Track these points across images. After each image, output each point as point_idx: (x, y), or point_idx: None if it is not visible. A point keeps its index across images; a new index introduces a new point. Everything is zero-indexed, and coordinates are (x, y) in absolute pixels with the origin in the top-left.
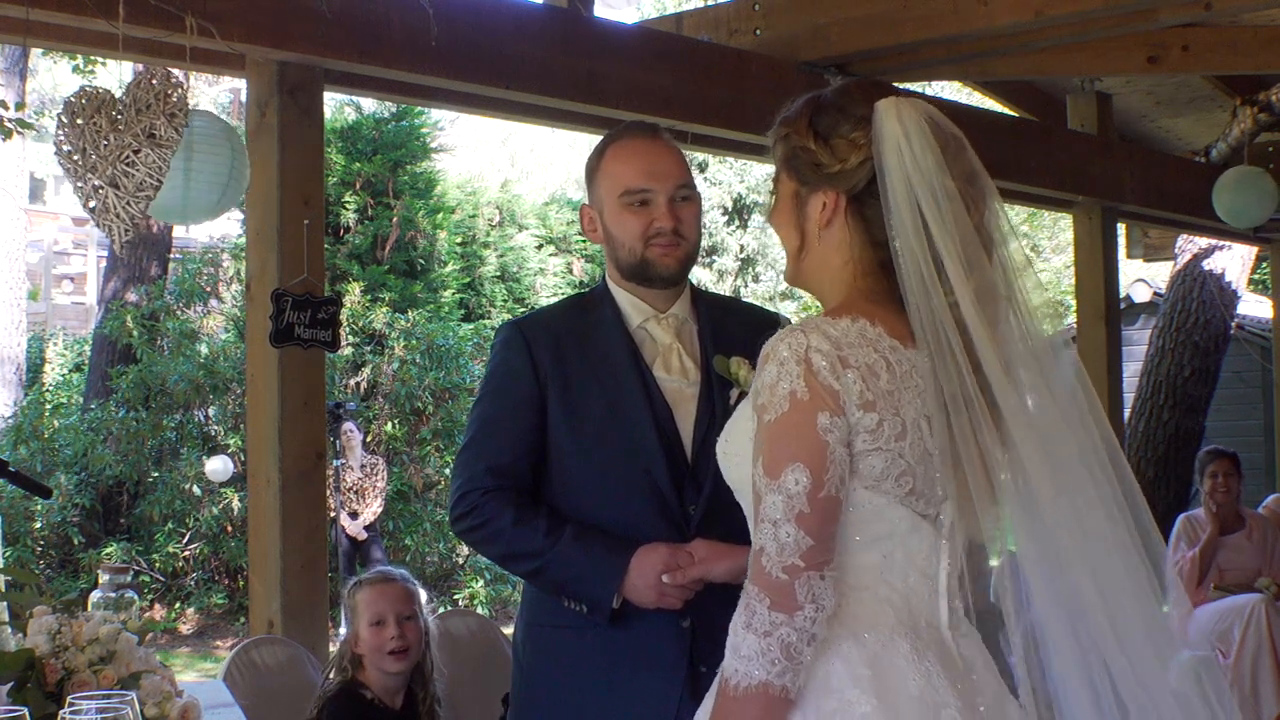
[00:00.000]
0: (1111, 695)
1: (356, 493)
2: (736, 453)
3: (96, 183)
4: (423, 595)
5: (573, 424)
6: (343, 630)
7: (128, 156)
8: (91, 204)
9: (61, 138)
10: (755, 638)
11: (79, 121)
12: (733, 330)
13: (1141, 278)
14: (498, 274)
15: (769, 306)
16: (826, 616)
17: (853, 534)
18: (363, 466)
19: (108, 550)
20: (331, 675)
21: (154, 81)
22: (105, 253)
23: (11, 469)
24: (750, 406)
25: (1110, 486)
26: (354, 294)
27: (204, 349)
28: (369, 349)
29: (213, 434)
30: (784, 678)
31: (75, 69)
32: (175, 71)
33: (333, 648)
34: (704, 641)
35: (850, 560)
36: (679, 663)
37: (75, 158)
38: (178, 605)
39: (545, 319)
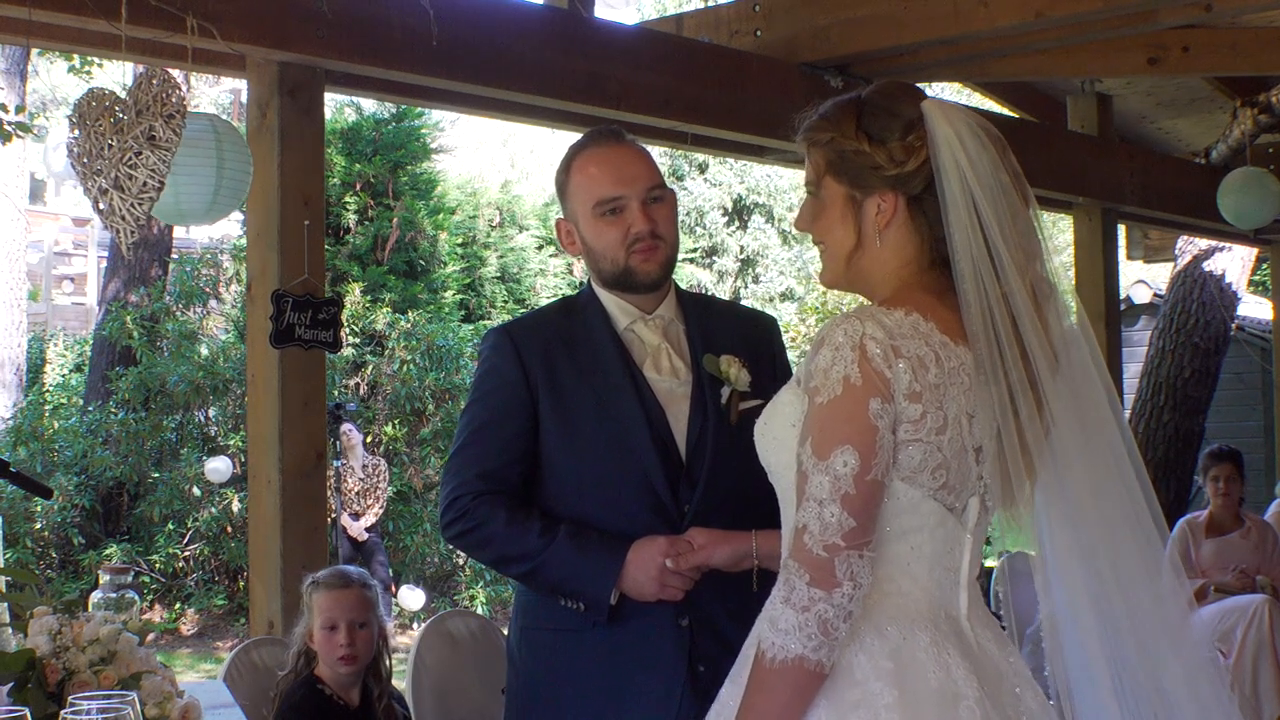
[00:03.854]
0: (1129, 684)
1: (359, 494)
2: (775, 436)
3: (103, 185)
4: (379, 597)
5: (565, 427)
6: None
7: (129, 159)
8: (100, 206)
9: (72, 140)
10: (793, 612)
11: (87, 124)
12: (719, 329)
13: (1142, 279)
14: (498, 275)
15: (769, 307)
16: (864, 595)
17: (884, 525)
18: (364, 468)
19: (108, 551)
20: (289, 669)
21: (154, 83)
22: (106, 253)
23: (12, 469)
24: (791, 391)
25: (1133, 479)
26: (354, 295)
27: (204, 350)
28: (369, 350)
29: (213, 435)
30: (819, 653)
31: (72, 69)
32: (174, 73)
33: None
34: (702, 640)
35: (878, 551)
36: (678, 662)
37: (84, 160)
38: (178, 606)
39: (533, 323)
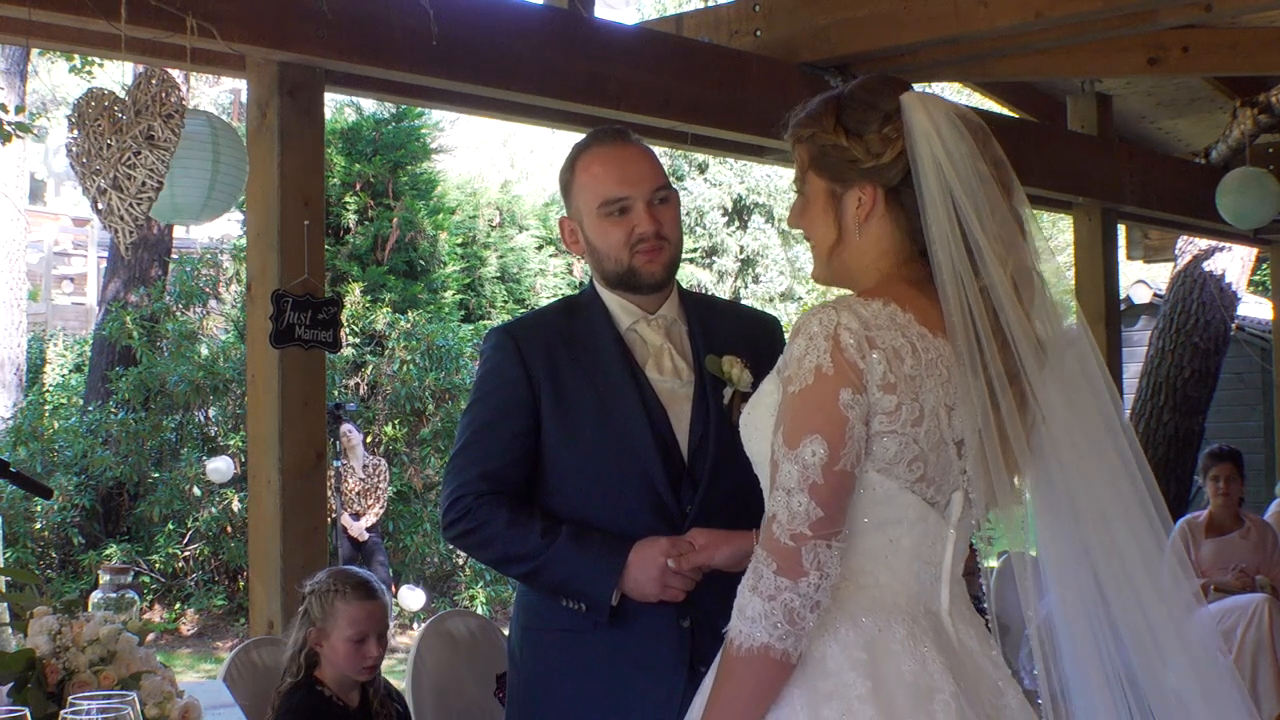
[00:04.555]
0: (1127, 684)
1: (360, 494)
2: (758, 426)
3: (101, 184)
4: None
5: (567, 427)
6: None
7: (128, 159)
8: (99, 206)
9: (70, 140)
10: (760, 600)
11: (86, 123)
12: (721, 329)
13: (1141, 279)
14: (498, 275)
15: (769, 307)
16: (831, 585)
17: (861, 516)
18: (365, 468)
19: (108, 551)
20: (295, 671)
21: (152, 83)
22: (106, 253)
23: (12, 469)
24: (773, 381)
25: (1135, 476)
26: (354, 295)
27: (204, 350)
28: (369, 350)
29: (212, 435)
30: (785, 641)
31: (73, 69)
32: (173, 73)
33: None
34: (703, 641)
35: (856, 543)
36: (679, 663)
37: (83, 160)
38: (178, 606)
39: (535, 323)
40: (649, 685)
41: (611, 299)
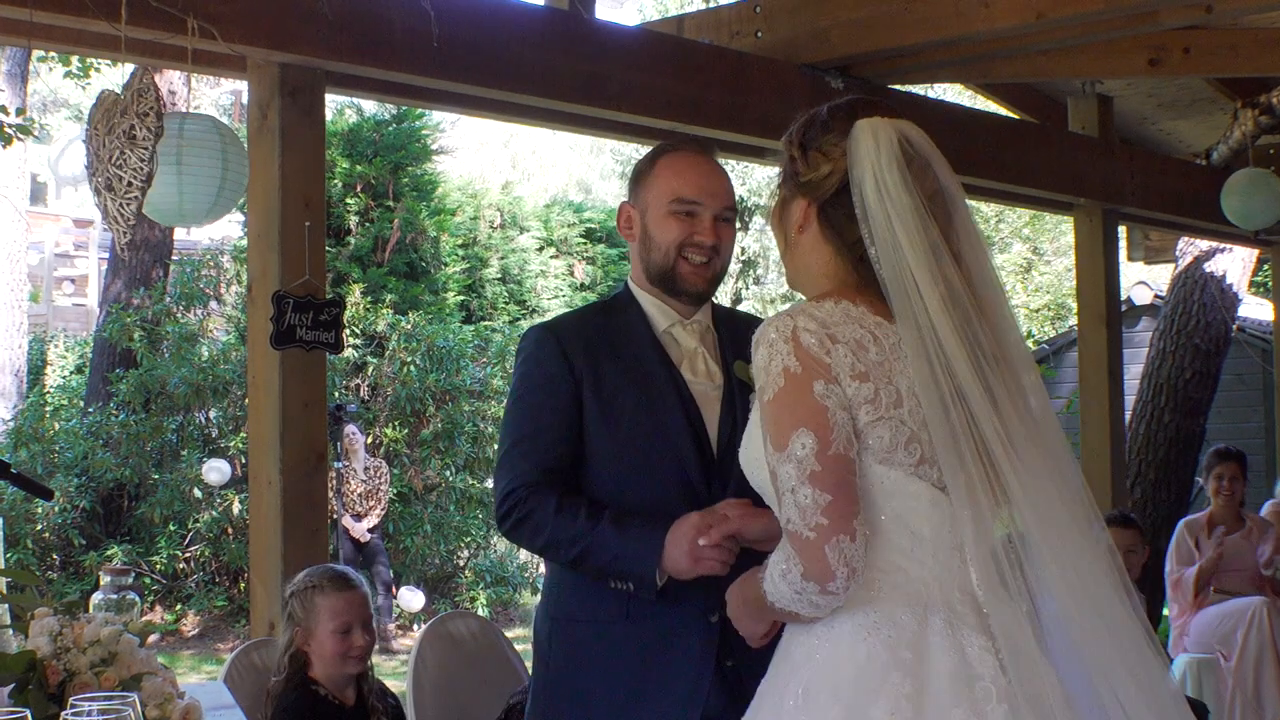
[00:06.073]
0: (1098, 695)
1: (362, 496)
2: (755, 458)
3: (98, 185)
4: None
5: (608, 421)
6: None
7: (116, 159)
8: (99, 206)
9: (85, 143)
10: (789, 589)
11: (93, 125)
12: (747, 339)
13: (1142, 280)
14: (499, 276)
15: (770, 310)
16: (859, 579)
17: (878, 513)
18: (366, 469)
19: (109, 552)
20: (282, 672)
21: (135, 83)
22: (107, 255)
23: (13, 471)
24: (758, 410)
25: (1071, 488)
26: (355, 296)
27: (205, 351)
28: (370, 351)
29: (213, 436)
30: (818, 612)
31: (68, 74)
32: (174, 74)
33: None
34: (732, 636)
35: (879, 540)
36: (706, 657)
37: (90, 162)
38: (179, 607)
39: (573, 322)
40: (674, 679)
41: (648, 301)
